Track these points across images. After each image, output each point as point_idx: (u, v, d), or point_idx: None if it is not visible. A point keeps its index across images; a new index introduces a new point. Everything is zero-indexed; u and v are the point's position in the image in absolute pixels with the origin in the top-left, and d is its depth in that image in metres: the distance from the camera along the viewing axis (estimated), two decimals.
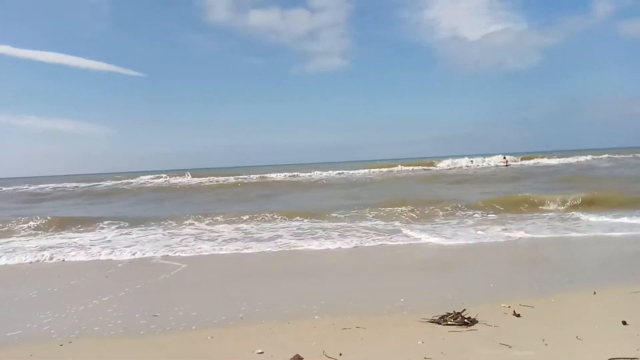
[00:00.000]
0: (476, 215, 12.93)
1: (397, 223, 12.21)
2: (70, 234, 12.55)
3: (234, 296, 6.07)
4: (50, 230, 13.10)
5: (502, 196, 14.73)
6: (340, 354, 3.75)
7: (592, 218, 11.45)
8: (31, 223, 13.68)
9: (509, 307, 4.80)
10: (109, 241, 11.15)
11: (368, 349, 3.89)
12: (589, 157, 43.12)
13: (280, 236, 10.86)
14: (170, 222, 13.47)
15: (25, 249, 10.61)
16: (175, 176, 43.94)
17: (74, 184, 41.17)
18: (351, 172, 40.02)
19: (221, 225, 12.79)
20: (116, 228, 13.09)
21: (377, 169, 43.46)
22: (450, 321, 4.41)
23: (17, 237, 12.54)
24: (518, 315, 4.57)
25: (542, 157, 47.63)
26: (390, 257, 8.54)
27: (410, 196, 17.23)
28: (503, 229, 10.48)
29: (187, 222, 13.38)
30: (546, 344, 3.77)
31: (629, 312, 4.46)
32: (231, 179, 38.05)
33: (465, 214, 13.07)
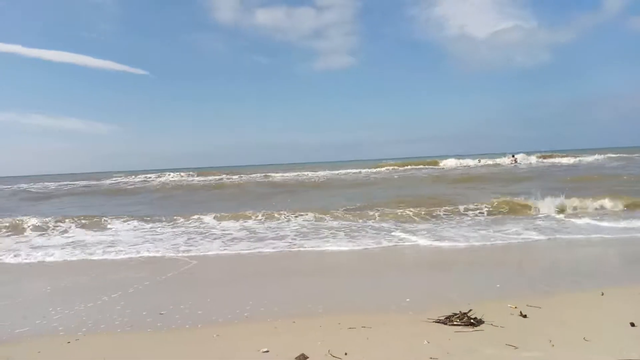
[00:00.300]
0: (482, 216, 12.87)
1: (402, 223, 12.19)
2: (81, 232, 12.65)
3: (240, 295, 6.09)
4: (62, 228, 13.18)
5: (508, 197, 14.62)
6: (346, 354, 3.75)
7: (599, 221, 11.32)
8: (41, 221, 13.78)
9: (516, 307, 4.77)
10: (119, 239, 11.22)
11: (373, 349, 3.89)
12: (603, 156, 42.19)
13: (286, 235, 10.87)
14: (177, 220, 13.54)
15: (37, 247, 10.72)
16: (182, 174, 44.20)
17: (82, 182, 41.51)
18: (357, 171, 40.01)
19: (228, 224, 12.83)
20: (126, 226, 13.17)
21: (384, 168, 43.36)
22: (456, 321, 4.40)
23: (25, 236, 12.65)
24: (524, 316, 4.54)
25: (563, 156, 46.18)
26: (395, 257, 8.53)
27: (416, 196, 17.18)
28: (509, 230, 10.42)
29: (194, 220, 13.43)
30: (553, 345, 3.75)
31: (637, 313, 4.41)
32: (237, 177, 38.18)
33: (471, 215, 13.01)
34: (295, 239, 10.28)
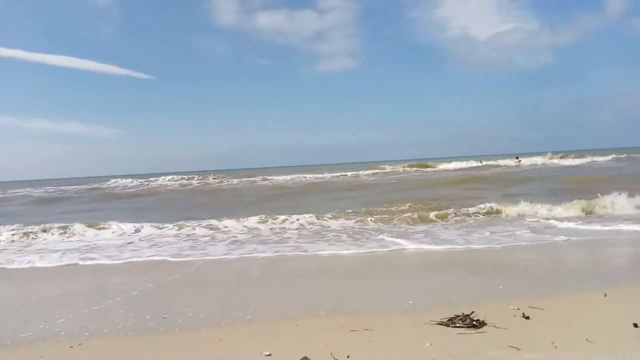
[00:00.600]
0: (479, 217, 12.88)
1: (403, 225, 12.19)
2: (84, 236, 12.68)
3: (242, 298, 6.09)
4: (64, 232, 13.20)
5: (509, 199, 14.59)
6: (348, 356, 3.75)
7: (596, 225, 11.27)
8: (47, 227, 13.80)
9: (518, 309, 4.76)
10: (122, 242, 11.25)
11: (376, 351, 3.89)
12: (608, 157, 42.02)
13: (287, 238, 10.88)
14: (180, 223, 13.54)
15: (44, 251, 10.75)
16: (185, 178, 44.24)
17: (85, 186, 41.62)
18: (358, 173, 40.01)
19: (229, 227, 12.84)
20: (128, 229, 13.18)
21: (385, 170, 43.36)
22: (459, 323, 4.39)
23: (33, 240, 12.68)
24: (527, 318, 4.53)
25: (570, 157, 45.64)
26: (396, 259, 8.52)
27: (415, 198, 17.14)
28: (505, 232, 10.42)
29: (196, 223, 13.44)
30: (555, 347, 3.74)
31: None
32: (237, 181, 38.23)
33: (472, 217, 13.00)
34: (296, 242, 10.29)
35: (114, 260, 9.29)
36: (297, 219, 13.24)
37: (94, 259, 9.46)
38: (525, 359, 3.57)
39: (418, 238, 10.10)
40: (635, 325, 4.08)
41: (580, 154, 52.10)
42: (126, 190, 35.40)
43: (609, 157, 41.89)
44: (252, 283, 7.10)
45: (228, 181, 38.50)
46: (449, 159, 48.13)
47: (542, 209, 12.92)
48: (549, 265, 7.36)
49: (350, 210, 14.43)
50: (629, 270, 6.98)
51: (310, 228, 12.26)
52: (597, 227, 10.40)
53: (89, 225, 13.77)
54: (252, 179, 39.47)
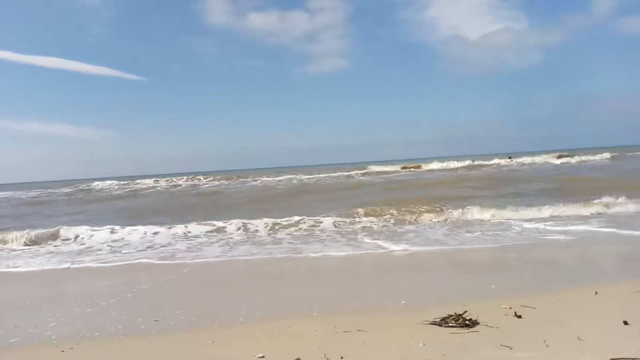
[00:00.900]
0: (474, 218, 12.93)
1: (394, 226, 12.22)
2: (76, 239, 12.55)
3: (235, 299, 6.07)
4: (55, 235, 13.05)
5: (500, 199, 14.70)
6: (342, 357, 3.75)
7: (585, 225, 11.40)
8: (34, 230, 13.64)
9: (510, 308, 4.80)
10: (114, 245, 11.15)
11: (369, 352, 3.89)
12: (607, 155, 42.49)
13: (280, 239, 10.86)
14: (172, 225, 13.44)
15: (30, 255, 10.62)
16: (177, 179, 44.01)
17: (79, 188, 41.23)
18: (350, 173, 40.06)
19: (221, 229, 12.77)
20: (120, 232, 13.06)
21: (376, 170, 43.45)
22: (452, 323, 4.41)
23: (23, 245, 12.52)
24: (519, 316, 4.57)
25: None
26: (389, 260, 8.53)
27: (408, 199, 17.19)
28: (500, 231, 10.48)
29: (188, 225, 13.35)
30: (547, 345, 3.77)
31: (630, 311, 4.46)
32: (228, 182, 38.11)
33: (463, 217, 13.06)
34: (289, 244, 10.27)
35: (104, 263, 9.21)
36: (289, 220, 13.20)
37: (83, 261, 9.38)
38: (517, 357, 3.59)
39: (409, 238, 10.14)
40: (626, 323, 4.13)
41: (573, 152, 52.55)
42: (116, 193, 35.12)
43: (601, 156, 42.42)
44: (245, 285, 7.07)
45: (219, 182, 38.37)
46: (441, 159, 48.32)
47: (532, 209, 13.03)
48: (540, 265, 7.41)
49: (342, 211, 14.44)
50: (619, 268, 7.06)
51: (303, 229, 12.24)
52: (587, 227, 10.50)
53: (77, 226, 13.64)
54: (243, 179, 39.38)
